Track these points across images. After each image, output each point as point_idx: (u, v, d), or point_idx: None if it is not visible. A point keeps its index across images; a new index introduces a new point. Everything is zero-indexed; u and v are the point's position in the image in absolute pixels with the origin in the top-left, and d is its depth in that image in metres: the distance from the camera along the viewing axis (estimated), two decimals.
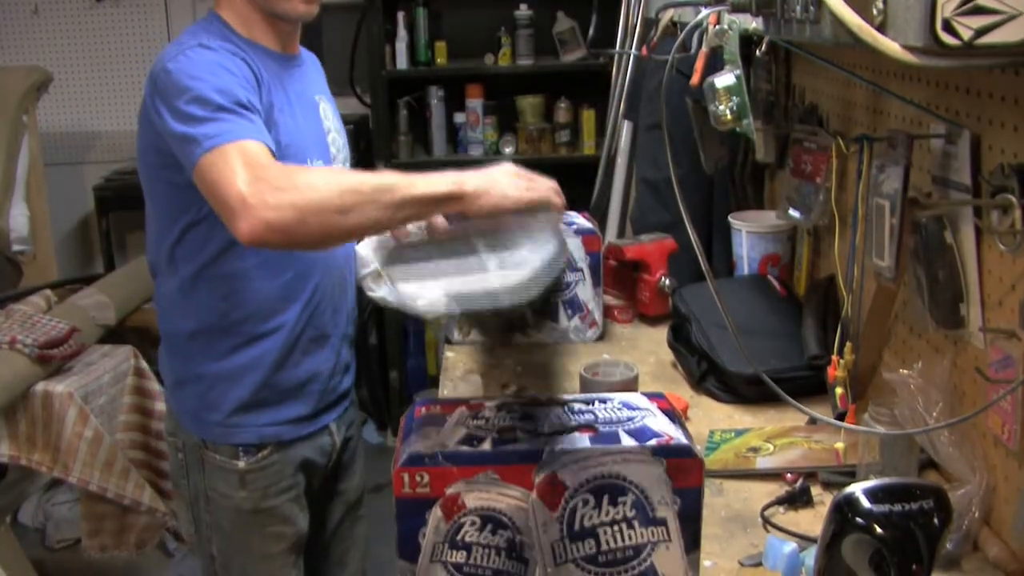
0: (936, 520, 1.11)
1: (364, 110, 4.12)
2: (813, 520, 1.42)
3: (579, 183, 3.27)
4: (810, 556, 1.31)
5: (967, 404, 1.41)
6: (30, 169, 3.24)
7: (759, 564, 1.34)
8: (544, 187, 1.40)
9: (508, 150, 4.10)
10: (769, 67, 1.88)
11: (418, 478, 1.09)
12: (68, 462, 2.44)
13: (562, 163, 4.07)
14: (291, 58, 1.73)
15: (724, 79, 1.49)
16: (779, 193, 2.15)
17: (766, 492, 1.52)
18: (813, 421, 1.71)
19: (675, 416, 1.17)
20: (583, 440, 1.11)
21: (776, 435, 1.66)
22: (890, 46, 0.92)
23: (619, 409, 1.18)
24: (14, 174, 3.06)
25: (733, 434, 1.69)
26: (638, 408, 1.19)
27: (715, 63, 1.63)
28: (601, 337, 2.13)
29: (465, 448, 1.10)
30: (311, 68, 1.82)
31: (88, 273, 3.82)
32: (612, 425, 1.14)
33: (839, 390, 1.49)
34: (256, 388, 1.69)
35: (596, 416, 1.16)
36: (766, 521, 1.44)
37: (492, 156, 4.10)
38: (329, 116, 1.79)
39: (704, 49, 1.61)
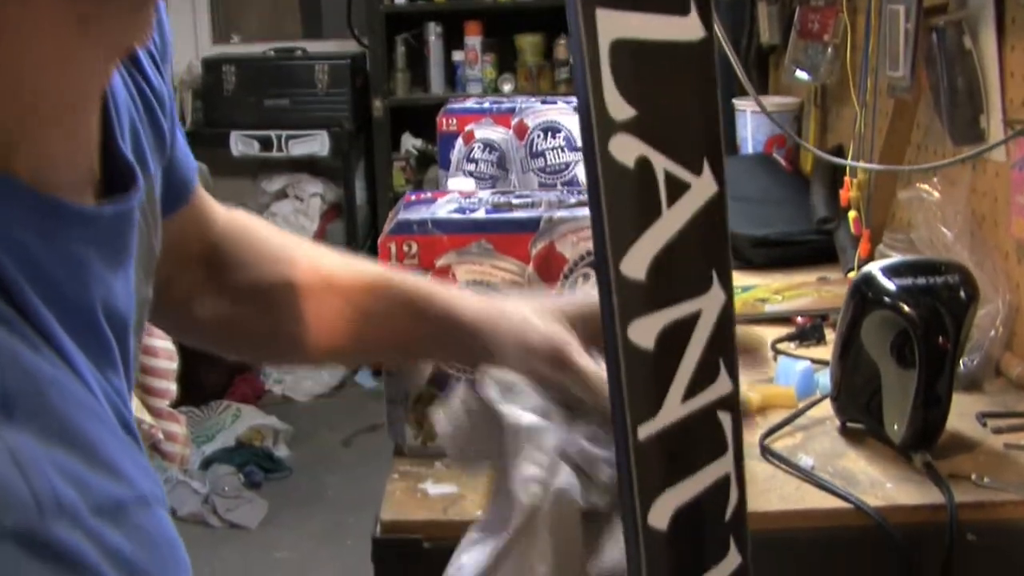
0: (963, 295, 1.04)
1: (361, 48, 4.05)
2: (825, 354, 1.34)
3: None
4: (824, 375, 1.24)
5: (987, 227, 1.34)
6: None
7: (771, 382, 1.27)
8: None
9: (507, 88, 4.02)
10: None
11: (406, 248, 1.02)
12: None
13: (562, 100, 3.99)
14: None
15: None
16: (784, 81, 2.08)
17: (776, 333, 1.45)
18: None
19: None
20: (584, 211, 1.03)
21: (784, 289, 1.59)
22: None
23: None
24: None
25: (740, 290, 1.62)
26: None
27: None
28: None
29: (457, 216, 1.03)
30: None
31: None
32: None
33: (852, 214, 1.41)
34: None
35: None
36: (778, 352, 1.37)
37: (491, 94, 4.03)
38: None
39: None
